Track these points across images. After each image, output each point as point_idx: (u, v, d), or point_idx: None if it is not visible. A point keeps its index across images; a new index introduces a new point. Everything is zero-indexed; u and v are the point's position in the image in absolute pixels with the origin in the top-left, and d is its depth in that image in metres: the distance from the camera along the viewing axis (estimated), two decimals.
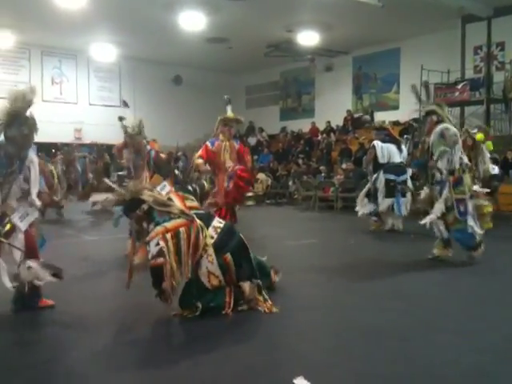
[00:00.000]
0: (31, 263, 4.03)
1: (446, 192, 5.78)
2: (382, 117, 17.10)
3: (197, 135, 21.21)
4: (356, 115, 18.35)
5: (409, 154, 9.21)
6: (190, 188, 7.07)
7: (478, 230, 5.85)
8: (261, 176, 15.41)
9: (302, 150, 18.14)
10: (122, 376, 2.99)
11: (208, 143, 7.42)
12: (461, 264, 5.87)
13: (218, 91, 20.16)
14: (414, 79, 14.94)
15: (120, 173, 8.54)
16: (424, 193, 6.21)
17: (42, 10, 13.60)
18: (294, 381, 2.78)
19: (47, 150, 18.08)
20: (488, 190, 7.05)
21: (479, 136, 8.84)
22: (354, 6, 13.02)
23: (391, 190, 8.25)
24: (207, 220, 4.09)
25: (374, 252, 7.05)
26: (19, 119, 4.00)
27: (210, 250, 3.91)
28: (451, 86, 14.52)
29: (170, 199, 4.08)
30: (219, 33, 16.08)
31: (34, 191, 4.12)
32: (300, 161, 17.07)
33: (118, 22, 15.00)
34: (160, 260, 3.70)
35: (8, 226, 3.93)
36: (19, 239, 4.00)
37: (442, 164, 5.78)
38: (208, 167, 7.27)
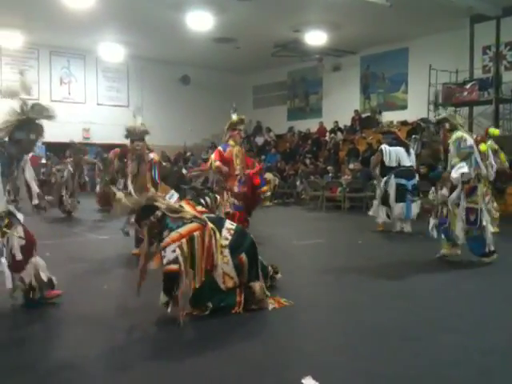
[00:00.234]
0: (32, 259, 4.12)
1: (462, 203, 5.77)
2: (389, 117, 17.06)
3: (204, 135, 21.33)
4: (364, 115, 18.31)
5: (417, 155, 9.16)
6: (202, 201, 7.14)
7: (492, 247, 5.88)
8: (268, 176, 15.35)
9: (309, 150, 18.12)
10: (129, 374, 3.00)
11: (220, 148, 7.49)
12: (469, 264, 5.84)
13: (226, 91, 20.34)
14: (422, 79, 15.01)
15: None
16: (432, 194, 6.21)
17: (51, 11, 13.67)
18: (303, 381, 2.78)
19: (56, 150, 18.22)
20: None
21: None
22: (361, 6, 12.99)
23: (402, 194, 8.22)
24: (219, 223, 4.12)
25: (381, 252, 7.04)
26: (30, 125, 4.08)
27: (226, 252, 3.95)
28: (460, 86, 14.45)
29: (181, 206, 4.12)
30: (227, 33, 16.10)
31: (34, 191, 4.24)
32: (307, 161, 17.05)
33: (126, 22, 15.06)
34: (175, 266, 3.73)
35: (6, 220, 4.00)
36: (19, 231, 4.05)
37: (455, 175, 5.72)
38: (227, 168, 7.33)
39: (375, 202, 8.72)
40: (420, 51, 16.42)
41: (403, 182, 8.27)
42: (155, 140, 8.06)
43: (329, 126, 19.06)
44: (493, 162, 7.40)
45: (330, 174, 14.74)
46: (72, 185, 11.16)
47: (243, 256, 4.02)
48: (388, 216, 8.49)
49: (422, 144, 10.71)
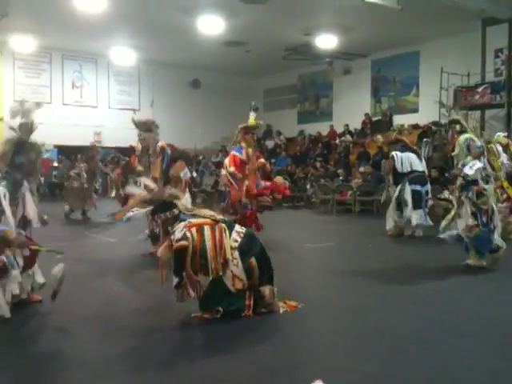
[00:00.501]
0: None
1: (468, 205, 5.73)
2: (400, 120, 16.98)
3: (214, 138, 21.38)
4: (375, 118, 18.26)
5: (428, 158, 9.12)
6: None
7: (500, 243, 5.82)
8: (278, 179, 15.35)
9: (319, 154, 18.09)
10: (140, 377, 3.01)
11: (235, 152, 7.56)
12: (479, 268, 5.79)
13: (236, 95, 20.39)
14: (433, 82, 14.95)
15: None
16: (443, 196, 6.18)
17: (63, 15, 13.79)
18: (313, 383, 2.77)
19: (67, 153, 18.37)
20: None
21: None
22: (372, 9, 12.96)
23: (419, 200, 8.17)
24: (229, 225, 4.16)
25: (392, 255, 7.01)
26: (26, 146, 4.14)
27: (236, 254, 3.97)
28: (471, 89, 14.38)
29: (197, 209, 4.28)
30: (237, 36, 16.14)
31: (35, 217, 4.29)
32: (318, 164, 17.02)
33: (138, 26, 15.15)
34: (183, 242, 3.81)
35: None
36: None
37: (469, 171, 5.68)
38: (241, 175, 7.47)
39: (390, 211, 8.60)
40: (431, 54, 16.35)
41: (418, 188, 8.23)
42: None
43: (339, 129, 19.02)
44: (505, 161, 7.35)
45: (341, 178, 14.71)
46: (87, 189, 11.20)
47: (253, 260, 4.02)
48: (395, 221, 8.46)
49: (433, 147, 10.68)
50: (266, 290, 4.08)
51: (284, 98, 22.03)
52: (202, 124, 20.56)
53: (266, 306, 4.07)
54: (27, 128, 4.18)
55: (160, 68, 20.08)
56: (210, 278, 3.95)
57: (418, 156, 8.62)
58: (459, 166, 5.79)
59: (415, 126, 15.88)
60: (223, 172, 7.79)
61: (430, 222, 8.26)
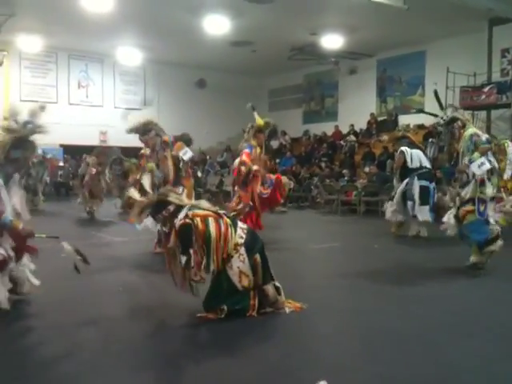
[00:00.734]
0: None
1: (468, 188, 5.69)
2: (406, 120, 16.95)
3: (220, 138, 21.40)
4: (380, 118, 18.22)
5: (434, 159, 9.08)
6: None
7: (495, 228, 5.72)
8: (283, 179, 15.32)
9: (324, 154, 18.07)
10: (145, 375, 3.02)
11: (248, 150, 7.57)
12: (487, 269, 5.76)
13: (242, 94, 20.35)
14: (439, 82, 14.85)
15: None
16: (449, 192, 6.15)
17: (70, 15, 13.83)
18: None
19: (73, 153, 18.44)
20: None
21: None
22: (378, 9, 12.93)
23: (426, 197, 8.13)
24: (233, 221, 4.17)
25: (397, 256, 6.99)
26: (26, 143, 4.17)
27: (242, 250, 3.98)
28: (477, 89, 14.32)
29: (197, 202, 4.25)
30: (243, 36, 16.14)
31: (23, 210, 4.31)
32: (323, 164, 17.00)
33: (144, 26, 15.18)
34: (186, 220, 3.84)
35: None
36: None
37: (476, 170, 5.65)
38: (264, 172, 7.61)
39: (390, 204, 8.57)
40: (437, 54, 16.30)
41: (426, 184, 8.18)
42: None
43: (344, 129, 18.99)
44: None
45: (346, 178, 14.68)
46: (96, 186, 11.18)
47: (257, 257, 4.05)
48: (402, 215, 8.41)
49: (438, 148, 10.61)
50: (270, 288, 4.10)
51: (289, 97, 22.02)
52: (207, 124, 20.57)
53: (270, 304, 4.09)
54: (33, 128, 4.19)
55: (166, 68, 20.12)
56: (211, 275, 3.95)
57: (424, 153, 8.60)
58: (465, 161, 5.72)
59: (421, 126, 15.82)
60: (243, 169, 7.64)
61: (434, 220, 8.19)
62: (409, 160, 8.23)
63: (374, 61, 18.66)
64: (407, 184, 8.16)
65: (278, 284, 4.19)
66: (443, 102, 13.97)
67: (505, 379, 2.99)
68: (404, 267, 6.14)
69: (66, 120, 18.52)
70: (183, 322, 3.95)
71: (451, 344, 3.49)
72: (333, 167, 16.64)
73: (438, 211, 7.86)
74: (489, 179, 5.70)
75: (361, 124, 18.53)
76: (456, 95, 14.66)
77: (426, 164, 8.35)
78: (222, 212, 4.13)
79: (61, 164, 17.99)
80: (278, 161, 18.10)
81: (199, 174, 15.92)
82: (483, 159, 5.58)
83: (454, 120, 5.99)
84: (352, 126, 18.61)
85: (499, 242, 5.70)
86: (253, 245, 4.08)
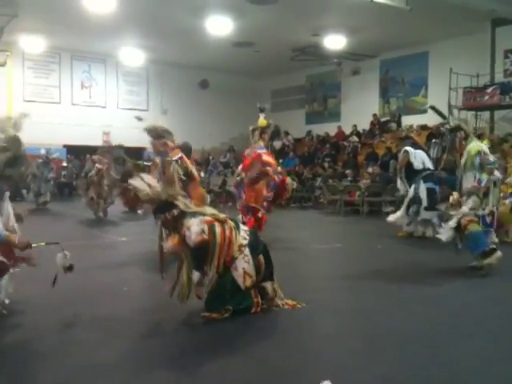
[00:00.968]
0: None
1: (472, 199, 5.71)
2: (409, 121, 16.96)
3: (222, 138, 21.43)
4: (383, 119, 18.22)
5: (437, 159, 9.06)
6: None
7: (494, 240, 5.78)
8: (288, 180, 15.30)
9: (327, 154, 18.08)
10: (147, 376, 3.02)
11: (264, 150, 7.68)
12: (489, 270, 5.75)
13: (244, 95, 20.42)
14: (442, 83, 14.90)
15: None
16: (452, 198, 6.16)
17: (73, 16, 13.86)
18: None
19: (76, 153, 18.48)
20: None
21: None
22: (381, 10, 12.93)
23: (434, 199, 8.08)
24: (236, 224, 4.19)
25: (401, 257, 6.99)
26: (20, 159, 4.18)
27: (247, 251, 4.00)
28: (480, 90, 14.31)
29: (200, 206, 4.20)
30: (246, 37, 16.16)
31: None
32: (326, 164, 17.01)
33: (146, 27, 15.21)
34: (204, 236, 3.81)
35: None
36: None
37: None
38: None
39: (399, 212, 8.51)
40: (440, 55, 16.30)
41: (432, 186, 8.14)
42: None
43: (347, 130, 19.00)
44: None
45: (349, 178, 14.67)
46: (102, 186, 11.16)
47: (261, 257, 4.10)
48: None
49: (442, 148, 10.58)
50: (268, 285, 4.16)
51: (292, 98, 22.03)
52: (210, 124, 20.61)
53: (268, 300, 4.14)
54: (16, 142, 4.18)
55: (168, 68, 20.15)
56: (211, 276, 3.96)
57: (428, 154, 8.58)
58: (474, 182, 5.69)
59: (424, 127, 15.83)
60: (269, 169, 7.57)
61: (438, 222, 8.16)
62: (413, 159, 8.19)
63: (376, 62, 18.67)
64: (415, 189, 8.07)
65: (275, 284, 4.23)
66: (446, 103, 14.07)
67: (505, 380, 2.99)
68: (407, 268, 6.13)
69: (69, 120, 18.60)
70: (186, 322, 3.96)
71: (452, 344, 3.49)
72: (336, 167, 16.64)
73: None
74: (495, 184, 5.73)
75: (363, 125, 18.54)
76: (459, 96, 14.67)
77: (429, 165, 8.32)
78: (222, 216, 4.11)
79: (64, 164, 18.03)
80: (280, 161, 18.09)
81: (202, 174, 15.93)
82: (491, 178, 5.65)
83: (457, 129, 5.99)
84: (355, 126, 18.61)
85: (497, 254, 5.69)
86: (256, 245, 4.11)
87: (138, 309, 4.35)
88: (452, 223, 5.80)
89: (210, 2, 13.24)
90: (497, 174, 5.84)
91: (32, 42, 16.58)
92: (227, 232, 3.95)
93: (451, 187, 6.98)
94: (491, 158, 5.77)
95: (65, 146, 18.65)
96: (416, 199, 7.98)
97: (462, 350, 3.38)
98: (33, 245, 4.09)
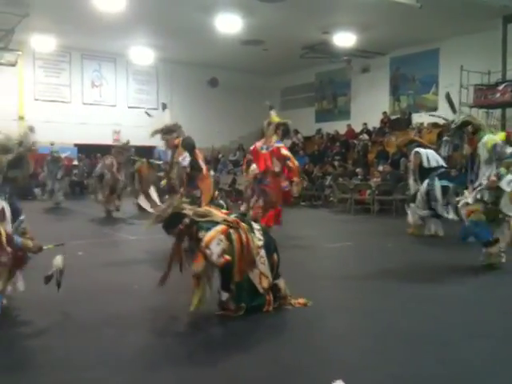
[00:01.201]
0: None
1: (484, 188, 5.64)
2: (420, 118, 16.86)
3: (232, 137, 21.45)
4: (393, 117, 18.13)
5: (448, 157, 8.99)
6: (221, 202, 7.32)
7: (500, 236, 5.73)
8: (295, 178, 15.28)
9: (337, 152, 18.02)
10: (160, 374, 3.03)
11: (282, 144, 7.87)
12: (501, 268, 5.71)
13: (254, 93, 20.40)
14: (453, 80, 14.79)
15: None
16: (465, 195, 6.10)
17: (83, 15, 13.93)
18: (333, 383, 2.77)
19: (87, 152, 18.58)
20: None
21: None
22: (391, 7, 12.87)
23: (448, 196, 8.04)
24: (249, 225, 4.17)
25: (412, 255, 6.95)
26: (23, 161, 4.21)
27: (262, 252, 4.01)
28: (492, 87, 14.20)
29: (208, 211, 4.15)
30: (255, 35, 16.14)
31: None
32: (336, 163, 16.95)
33: (156, 26, 15.24)
34: (227, 257, 3.79)
35: None
36: None
37: (506, 187, 5.58)
38: None
39: (412, 206, 8.47)
40: (451, 52, 16.18)
41: (447, 183, 8.11)
42: None
43: (357, 128, 18.93)
44: None
45: (359, 177, 14.62)
46: (118, 185, 11.21)
47: (275, 255, 4.11)
48: (422, 219, 8.34)
49: (453, 146, 10.49)
50: (281, 283, 4.16)
51: (301, 96, 21.98)
52: (219, 122, 20.63)
53: (281, 299, 4.14)
54: (28, 146, 4.24)
55: (178, 67, 20.19)
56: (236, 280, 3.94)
57: (438, 153, 8.54)
58: (493, 176, 5.57)
59: (435, 125, 15.72)
60: (290, 165, 7.75)
61: (456, 217, 8.09)
62: (425, 160, 8.16)
63: (386, 59, 18.57)
64: (428, 184, 8.06)
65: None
66: (457, 101, 13.95)
67: None
68: (417, 267, 6.10)
69: (79, 119, 18.70)
70: (197, 320, 3.96)
71: (464, 344, 3.47)
72: (346, 166, 16.59)
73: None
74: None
75: (374, 123, 18.46)
76: (470, 94, 14.55)
77: (443, 163, 8.30)
78: (232, 218, 4.08)
79: (75, 163, 18.12)
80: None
81: (212, 172, 15.95)
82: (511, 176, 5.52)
83: (465, 124, 5.91)
84: (365, 124, 18.54)
85: (497, 246, 5.68)
86: (270, 245, 4.12)
87: (148, 307, 4.36)
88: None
89: (219, 0, 13.24)
90: None
91: (43, 42, 16.67)
92: (243, 237, 3.92)
93: (462, 185, 6.92)
94: (509, 150, 5.64)
95: (75, 145, 18.75)
96: (431, 196, 7.94)
97: (473, 350, 3.36)
98: (44, 247, 4.13)
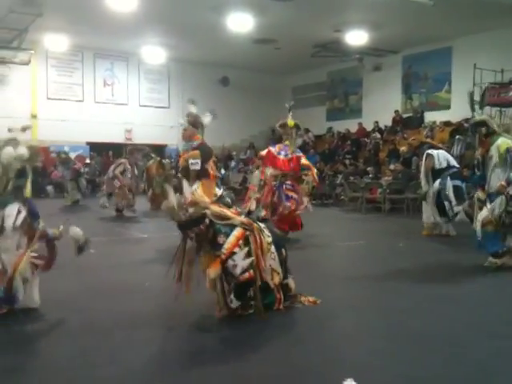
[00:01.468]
0: None
1: (499, 201, 5.59)
2: (432, 117, 16.75)
3: (243, 136, 21.46)
4: (405, 115, 18.03)
5: (461, 156, 8.94)
6: (228, 200, 7.33)
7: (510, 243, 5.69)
8: (307, 177, 15.25)
9: (348, 151, 17.96)
10: (170, 372, 3.05)
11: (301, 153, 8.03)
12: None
13: (265, 92, 20.41)
14: (466, 78, 14.65)
15: None
16: (477, 196, 6.05)
17: (95, 14, 14.01)
18: (344, 383, 2.77)
19: (99, 150, 18.70)
20: None
21: None
22: (403, 5, 12.80)
23: (461, 196, 7.99)
24: (258, 224, 4.16)
25: (423, 255, 6.91)
26: (26, 170, 4.27)
27: (273, 248, 4.01)
28: (505, 86, 14.06)
29: (221, 209, 4.08)
30: (266, 34, 16.12)
31: None
32: (347, 161, 16.90)
33: (168, 25, 15.28)
34: (251, 273, 3.77)
35: None
36: None
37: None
38: None
39: (424, 205, 8.41)
40: (464, 50, 16.05)
41: (459, 183, 8.05)
42: None
43: (368, 126, 18.85)
44: None
45: (370, 175, 14.56)
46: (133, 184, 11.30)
47: (283, 250, 4.13)
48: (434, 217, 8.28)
49: (466, 145, 10.45)
50: (291, 281, 4.17)
51: (313, 95, 21.90)
52: (230, 122, 20.58)
53: (290, 297, 4.15)
54: (34, 157, 4.36)
55: (189, 66, 20.22)
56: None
57: (449, 153, 8.49)
58: (503, 181, 5.51)
59: (447, 123, 15.62)
60: (309, 174, 7.95)
61: (465, 218, 8.02)
62: (437, 162, 8.11)
63: (399, 57, 18.47)
64: (440, 184, 8.00)
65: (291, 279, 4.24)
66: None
67: None
68: (429, 266, 6.07)
69: (92, 118, 18.81)
70: (207, 319, 3.96)
71: (476, 344, 3.45)
72: (357, 164, 16.53)
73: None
74: None
75: (385, 121, 18.37)
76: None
77: (455, 163, 8.24)
78: (246, 219, 4.06)
79: (87, 161, 18.24)
80: None
81: (222, 171, 15.99)
82: None
83: (480, 124, 5.85)
84: (376, 123, 18.46)
85: (505, 258, 5.65)
86: (278, 241, 4.14)
87: (159, 305, 4.38)
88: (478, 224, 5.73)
89: None
90: None
91: (55, 41, 16.79)
92: (257, 238, 3.90)
93: (474, 185, 6.86)
94: None
95: (88, 144, 18.88)
96: (443, 196, 7.89)
97: (486, 350, 3.34)
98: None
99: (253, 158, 17.55)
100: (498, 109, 14.40)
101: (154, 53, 18.39)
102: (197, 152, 6.37)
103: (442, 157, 8.17)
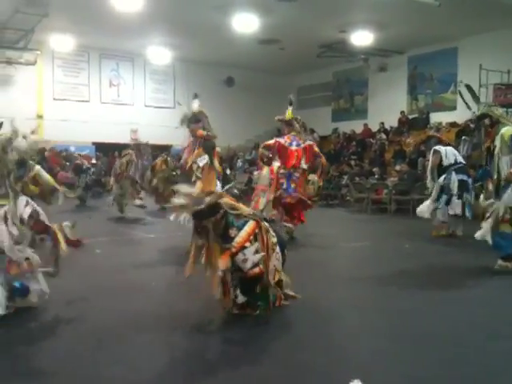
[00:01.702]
0: None
1: (509, 191, 5.53)
2: (438, 118, 16.71)
3: (248, 136, 21.45)
4: (411, 116, 17.99)
5: (467, 156, 8.89)
6: (236, 191, 7.32)
7: None
8: (312, 177, 15.22)
9: (354, 152, 17.93)
10: (175, 372, 3.06)
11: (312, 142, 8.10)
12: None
13: (270, 92, 20.39)
14: (472, 79, 14.61)
15: None
16: (484, 197, 6.01)
17: (101, 15, 14.06)
18: (351, 383, 2.76)
19: (105, 150, 18.74)
20: None
21: None
22: (409, 5, 12.77)
23: (465, 191, 7.92)
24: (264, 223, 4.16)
25: (429, 256, 6.89)
26: (25, 161, 4.27)
27: (278, 248, 4.01)
28: (511, 87, 14.01)
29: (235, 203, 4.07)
30: (271, 34, 16.13)
31: None
32: (352, 162, 16.87)
33: (173, 25, 15.31)
34: (261, 267, 3.77)
35: None
36: None
37: None
38: None
39: (428, 203, 8.35)
40: (470, 51, 15.99)
41: (465, 178, 8.00)
42: None
43: (374, 127, 18.82)
44: None
45: (376, 176, 14.53)
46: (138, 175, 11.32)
47: (285, 251, 4.19)
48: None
49: (472, 145, 10.39)
50: (287, 277, 4.19)
51: (318, 95, 21.89)
52: (235, 122, 20.64)
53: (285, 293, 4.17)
54: (33, 149, 4.39)
55: (194, 66, 20.24)
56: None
57: (457, 150, 8.45)
58: (498, 165, 5.49)
59: (453, 124, 15.57)
60: (323, 161, 8.16)
61: (470, 215, 7.97)
62: (444, 159, 8.06)
63: (404, 58, 18.43)
64: (445, 178, 7.94)
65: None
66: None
67: None
68: (435, 268, 6.05)
69: (97, 118, 18.87)
70: (212, 319, 3.96)
71: (482, 345, 3.43)
72: (362, 165, 16.50)
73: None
74: None
75: (391, 122, 18.33)
76: (489, 92, 14.37)
77: (461, 160, 8.20)
78: (256, 215, 4.07)
79: (93, 161, 18.27)
80: None
81: (228, 171, 15.99)
82: None
83: (483, 116, 5.82)
84: (382, 123, 18.42)
85: None
86: (281, 241, 4.17)
87: (165, 304, 4.38)
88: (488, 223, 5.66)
89: None
90: None
91: (61, 41, 16.85)
92: (265, 237, 3.89)
93: (482, 179, 6.82)
94: None
95: (93, 144, 18.93)
96: (446, 188, 7.84)
97: (491, 351, 3.32)
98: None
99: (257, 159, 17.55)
100: (505, 110, 14.34)
101: (160, 53, 18.44)
102: (200, 150, 6.41)
103: (450, 153, 8.11)
